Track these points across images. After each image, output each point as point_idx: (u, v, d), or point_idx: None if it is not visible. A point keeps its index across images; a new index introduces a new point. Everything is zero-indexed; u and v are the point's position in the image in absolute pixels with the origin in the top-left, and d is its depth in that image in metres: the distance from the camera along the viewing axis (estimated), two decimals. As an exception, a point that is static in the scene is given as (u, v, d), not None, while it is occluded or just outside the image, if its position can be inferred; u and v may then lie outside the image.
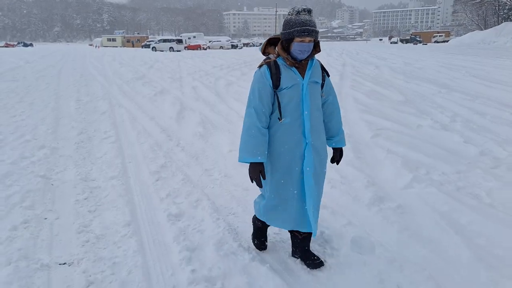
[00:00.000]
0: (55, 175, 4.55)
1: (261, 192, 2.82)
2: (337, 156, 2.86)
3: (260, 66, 2.55)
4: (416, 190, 3.97)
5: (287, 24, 2.43)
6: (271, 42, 2.63)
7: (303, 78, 2.52)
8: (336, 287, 2.55)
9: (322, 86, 2.68)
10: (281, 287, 2.50)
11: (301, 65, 2.53)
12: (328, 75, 2.72)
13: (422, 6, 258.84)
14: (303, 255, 2.82)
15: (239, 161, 2.58)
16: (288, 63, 2.49)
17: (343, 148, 2.87)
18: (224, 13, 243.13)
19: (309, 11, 2.43)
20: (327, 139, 2.79)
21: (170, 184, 4.24)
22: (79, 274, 2.64)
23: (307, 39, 2.38)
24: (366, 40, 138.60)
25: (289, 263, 2.82)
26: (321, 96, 2.69)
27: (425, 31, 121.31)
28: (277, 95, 2.52)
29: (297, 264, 2.80)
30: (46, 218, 3.47)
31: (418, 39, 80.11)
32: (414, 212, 3.55)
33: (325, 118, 2.75)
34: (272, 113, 2.56)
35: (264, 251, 2.92)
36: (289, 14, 2.48)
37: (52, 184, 4.28)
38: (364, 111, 7.96)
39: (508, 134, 6.16)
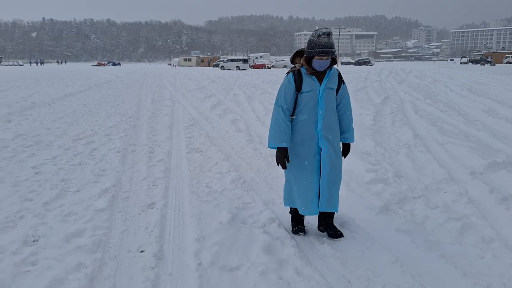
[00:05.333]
0: (138, 126, 9.04)
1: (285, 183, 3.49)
2: (345, 150, 3.43)
3: (287, 73, 3.20)
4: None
5: (310, 44, 3.04)
6: (299, 54, 3.26)
7: (320, 85, 3.12)
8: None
9: (337, 91, 3.25)
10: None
11: (320, 74, 3.13)
12: (344, 83, 3.29)
13: (505, 26, 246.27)
14: (326, 227, 3.38)
15: (269, 146, 3.26)
16: (308, 72, 3.11)
17: (351, 144, 3.45)
18: (296, 33, 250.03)
19: (328, 34, 2.98)
20: (340, 135, 3.35)
21: (192, 130, 8.50)
22: (144, 148, 6.92)
23: (325, 57, 3.00)
24: (433, 60, 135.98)
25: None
26: (336, 99, 3.26)
27: (497, 51, 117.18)
28: (298, 97, 3.16)
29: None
30: (133, 137, 7.86)
31: (489, 59, 78.19)
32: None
33: (339, 117, 3.32)
34: (294, 110, 3.21)
35: (303, 235, 3.45)
36: (312, 36, 3.04)
37: (136, 127, 8.75)
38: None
39: (416, 120, 9.64)
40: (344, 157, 3.42)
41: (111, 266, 2.95)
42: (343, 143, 3.41)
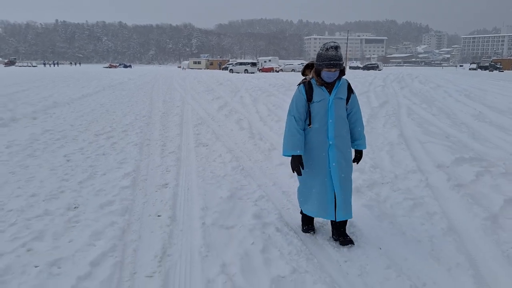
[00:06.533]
0: (151, 124, 9.99)
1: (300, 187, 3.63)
2: (357, 157, 3.60)
3: (299, 84, 3.44)
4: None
5: (319, 57, 3.25)
6: (309, 66, 3.47)
7: (330, 95, 3.32)
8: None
9: (347, 100, 3.41)
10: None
11: (329, 85, 3.32)
12: (353, 93, 3.46)
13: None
14: (339, 235, 3.50)
15: (283, 154, 3.44)
16: (318, 83, 3.32)
17: (363, 151, 3.60)
18: (305, 37, 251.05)
19: (336, 48, 3.20)
20: (352, 142, 3.52)
21: (200, 128, 9.43)
22: (158, 142, 7.85)
23: (333, 69, 3.20)
24: (442, 66, 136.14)
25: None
26: (346, 109, 3.43)
27: (507, 58, 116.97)
28: (309, 106, 3.36)
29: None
30: (148, 133, 8.80)
31: (498, 66, 78.16)
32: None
33: (350, 125, 3.48)
34: (305, 119, 3.41)
35: (312, 233, 3.67)
36: (320, 49, 3.25)
37: (150, 125, 9.70)
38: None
39: (407, 123, 10.47)
40: (357, 163, 3.64)
41: (136, 224, 3.87)
42: (355, 150, 3.60)
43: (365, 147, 3.59)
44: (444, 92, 20.11)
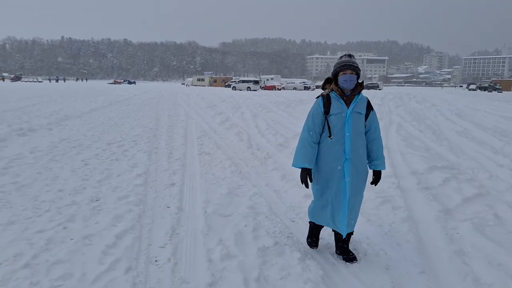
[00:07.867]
0: (158, 135, 10.85)
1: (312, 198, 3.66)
2: (374, 178, 3.56)
3: (317, 97, 3.49)
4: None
5: (334, 66, 3.43)
6: (329, 81, 3.52)
7: (348, 108, 3.35)
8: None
9: (366, 116, 3.43)
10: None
11: (348, 98, 3.37)
12: (373, 109, 3.46)
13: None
14: (342, 251, 3.57)
15: (293, 165, 3.48)
16: (337, 93, 3.37)
17: (381, 172, 3.57)
18: (308, 57, 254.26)
19: (349, 55, 3.40)
20: (369, 162, 3.53)
21: (203, 139, 10.27)
22: (165, 151, 8.68)
23: (348, 71, 3.29)
24: (442, 86, 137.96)
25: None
26: (365, 126, 3.44)
27: (506, 79, 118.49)
28: (327, 119, 3.38)
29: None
30: (155, 143, 9.64)
31: (497, 87, 79.23)
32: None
33: (368, 143, 3.47)
34: (322, 132, 3.42)
35: (315, 248, 3.73)
36: (336, 61, 3.48)
37: (157, 136, 10.55)
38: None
39: (393, 138, 11.29)
40: (375, 185, 3.61)
41: (150, 212, 4.68)
42: (373, 171, 3.56)
43: (384, 168, 3.55)
44: (437, 111, 20.96)
